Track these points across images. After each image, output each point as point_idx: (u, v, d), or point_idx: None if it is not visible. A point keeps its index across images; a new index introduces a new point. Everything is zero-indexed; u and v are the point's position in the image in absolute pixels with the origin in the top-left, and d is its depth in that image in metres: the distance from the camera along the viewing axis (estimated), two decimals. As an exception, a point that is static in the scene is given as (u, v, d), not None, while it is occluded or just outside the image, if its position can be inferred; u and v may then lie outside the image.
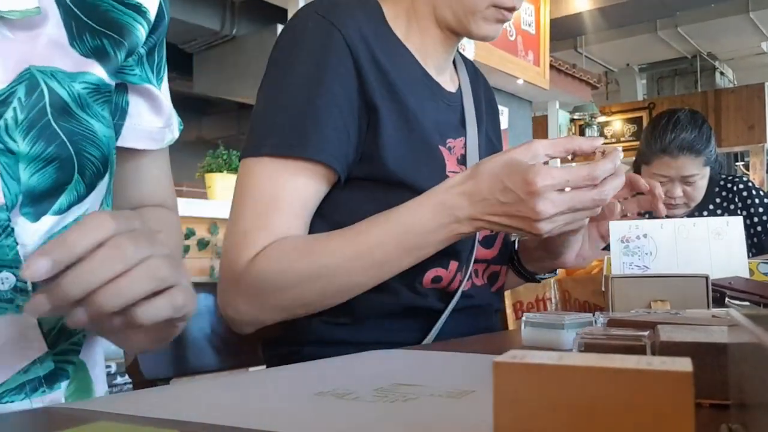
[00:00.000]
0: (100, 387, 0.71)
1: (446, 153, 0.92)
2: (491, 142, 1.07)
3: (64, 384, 0.64)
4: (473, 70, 1.11)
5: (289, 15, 3.97)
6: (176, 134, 0.80)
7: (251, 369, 0.95)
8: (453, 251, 0.86)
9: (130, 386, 0.98)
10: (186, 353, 0.98)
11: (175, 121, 0.79)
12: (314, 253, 0.80)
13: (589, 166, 0.73)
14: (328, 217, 0.87)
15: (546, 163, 0.77)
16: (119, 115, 0.72)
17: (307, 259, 0.80)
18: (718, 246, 0.99)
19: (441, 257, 0.84)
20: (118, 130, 0.72)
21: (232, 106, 5.38)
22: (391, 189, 0.86)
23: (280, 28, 4.33)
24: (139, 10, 0.68)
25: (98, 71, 0.64)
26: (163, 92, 0.76)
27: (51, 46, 0.60)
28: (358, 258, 0.79)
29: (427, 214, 0.78)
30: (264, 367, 0.96)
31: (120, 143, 0.72)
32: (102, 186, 0.67)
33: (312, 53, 0.86)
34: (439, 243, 0.80)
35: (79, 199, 0.64)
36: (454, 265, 0.89)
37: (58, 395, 0.63)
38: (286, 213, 0.83)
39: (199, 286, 1.04)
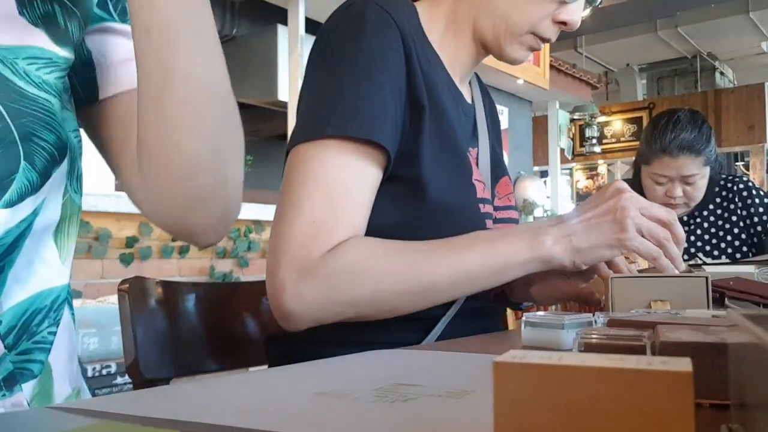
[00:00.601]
0: (61, 389, 0.66)
1: (472, 160, 0.94)
2: (495, 153, 1.08)
3: (28, 384, 0.60)
4: (481, 84, 1.13)
5: (290, 15, 3.97)
6: None
7: (251, 369, 0.95)
8: None
9: (130, 386, 0.98)
10: (186, 354, 0.98)
11: None
12: (404, 255, 0.80)
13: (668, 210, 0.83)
14: None
15: None
16: (83, 68, 0.66)
17: (398, 259, 0.80)
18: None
19: None
20: (90, 85, 0.67)
21: (232, 106, 5.38)
22: (420, 192, 0.86)
23: (280, 28, 4.33)
24: None
25: (47, 44, 0.59)
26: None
27: None
28: (448, 268, 0.80)
29: (516, 233, 0.83)
30: (264, 367, 0.96)
31: (103, 95, 0.67)
32: (60, 173, 0.62)
33: (372, 40, 0.85)
34: (524, 262, 0.81)
35: (33, 189, 0.58)
36: None
37: (20, 398, 0.60)
38: (356, 201, 0.82)
39: (199, 286, 1.04)
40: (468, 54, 0.99)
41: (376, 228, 0.84)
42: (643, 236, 0.80)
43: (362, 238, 0.81)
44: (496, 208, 1.02)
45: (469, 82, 1.08)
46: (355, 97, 0.82)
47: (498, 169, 1.06)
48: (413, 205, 0.84)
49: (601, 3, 0.99)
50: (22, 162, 0.56)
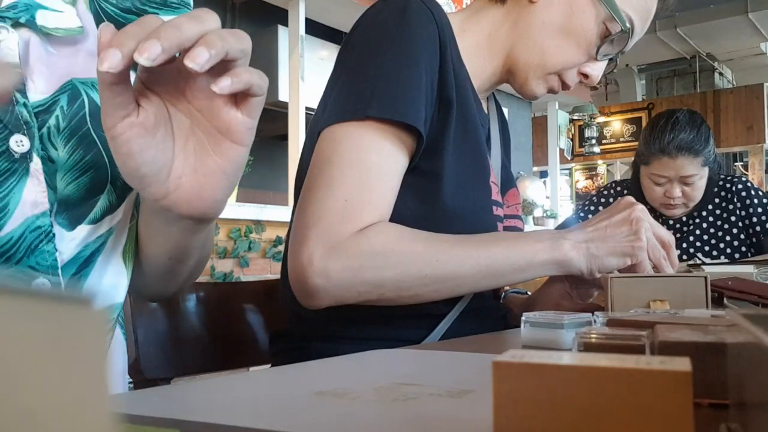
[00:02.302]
0: None
1: (490, 163, 0.96)
2: (505, 166, 1.12)
3: None
4: (496, 101, 1.16)
5: (290, 16, 3.97)
6: None
7: (252, 369, 0.95)
8: None
9: (131, 386, 0.98)
10: (187, 354, 0.98)
11: None
12: (433, 244, 0.82)
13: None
14: None
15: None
16: None
17: (426, 247, 0.81)
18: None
19: None
20: None
21: (232, 106, 5.37)
22: (438, 186, 0.87)
23: (280, 28, 4.33)
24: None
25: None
26: None
27: (91, 58, 0.61)
28: (473, 261, 0.82)
29: (537, 235, 0.87)
30: (265, 366, 0.96)
31: None
32: (131, 197, 0.68)
33: (414, 31, 0.87)
34: (544, 264, 0.85)
35: (111, 209, 0.65)
36: None
37: None
38: (387, 185, 0.83)
39: (200, 286, 1.04)
40: (493, 72, 1.02)
41: (396, 219, 0.85)
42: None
43: (390, 224, 0.82)
44: (504, 216, 1.03)
45: (486, 98, 1.11)
46: (397, 81, 0.83)
47: (507, 183, 1.08)
48: (432, 199, 0.85)
49: (617, 65, 1.04)
50: (108, 184, 0.63)
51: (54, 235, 0.60)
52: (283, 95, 4.29)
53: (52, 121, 0.58)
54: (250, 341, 1.07)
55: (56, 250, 0.60)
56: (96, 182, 0.62)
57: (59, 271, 0.60)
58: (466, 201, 0.89)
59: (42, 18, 0.58)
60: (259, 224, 3.32)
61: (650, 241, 0.86)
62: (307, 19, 3.97)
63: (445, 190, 0.87)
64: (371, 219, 0.81)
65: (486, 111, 1.07)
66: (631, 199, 0.89)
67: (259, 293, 1.10)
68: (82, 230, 0.63)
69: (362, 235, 0.79)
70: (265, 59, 4.50)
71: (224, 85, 0.46)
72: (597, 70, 0.99)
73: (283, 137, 4.16)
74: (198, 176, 0.54)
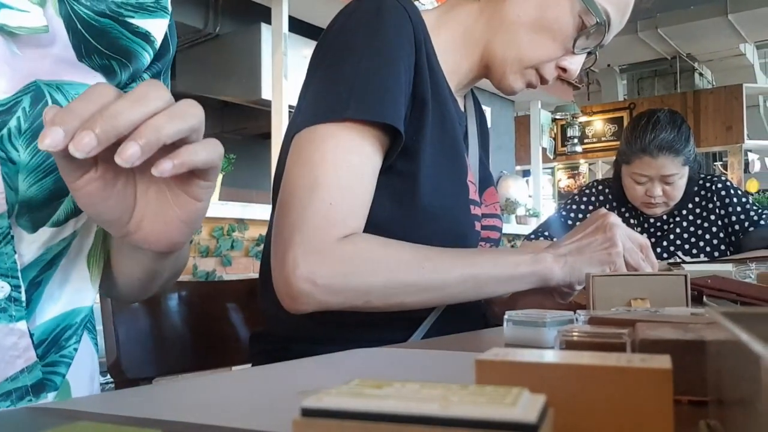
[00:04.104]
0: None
1: (468, 162, 0.97)
2: (483, 164, 1.11)
3: (51, 395, 0.64)
4: (475, 98, 1.16)
5: (273, 14, 3.95)
6: None
7: (235, 368, 0.95)
8: None
9: (112, 386, 0.97)
10: (169, 353, 0.97)
11: None
12: (419, 252, 0.82)
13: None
14: None
15: None
16: None
17: (413, 255, 0.81)
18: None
19: None
20: None
21: (215, 104, 5.34)
22: (415, 186, 0.87)
23: (263, 26, 4.31)
24: (148, 39, 0.68)
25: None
26: None
27: (58, 62, 0.61)
28: (459, 269, 0.83)
29: (518, 251, 0.90)
30: (247, 366, 0.96)
31: None
32: None
33: (389, 30, 0.86)
34: (525, 276, 0.88)
35: (75, 212, 0.64)
36: None
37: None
38: (367, 188, 0.83)
39: (182, 285, 1.03)
40: (470, 68, 1.01)
41: (371, 220, 0.84)
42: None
43: (372, 235, 0.83)
44: (482, 215, 1.03)
45: (464, 96, 1.10)
46: (375, 80, 0.82)
47: (485, 181, 1.08)
48: (409, 199, 0.85)
49: (596, 60, 1.05)
50: None
51: (12, 237, 0.59)
52: (266, 93, 4.27)
53: (13, 122, 0.57)
54: (232, 340, 1.07)
55: (15, 252, 0.59)
56: (60, 184, 0.60)
57: (19, 274, 0.59)
58: (443, 200, 0.89)
59: (5, 17, 0.57)
60: (242, 223, 3.31)
61: (626, 245, 0.89)
62: (290, 17, 3.96)
63: (421, 190, 0.86)
64: (355, 223, 0.81)
65: (463, 109, 1.07)
66: (603, 210, 0.92)
67: (241, 292, 1.10)
68: (45, 233, 0.62)
69: (348, 242, 0.79)
70: (248, 57, 4.48)
71: (164, 168, 0.46)
72: (575, 64, 0.99)
73: (266, 135, 4.14)
74: (158, 221, 0.54)
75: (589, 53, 1.00)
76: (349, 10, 0.90)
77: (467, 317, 0.98)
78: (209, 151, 0.48)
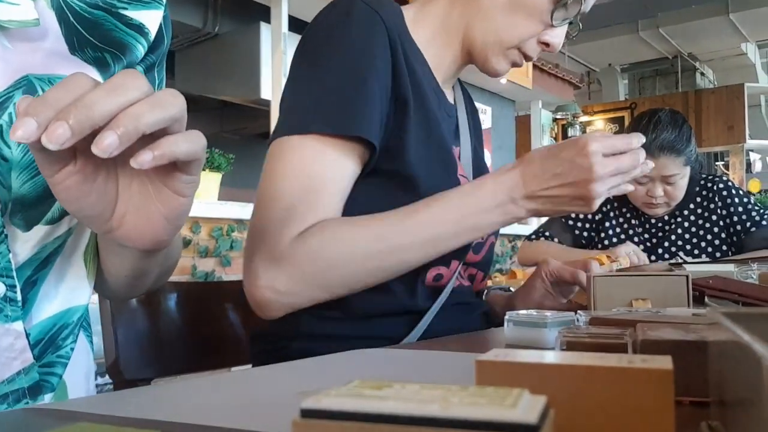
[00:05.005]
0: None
1: (456, 156, 0.96)
2: (477, 155, 1.10)
3: (48, 396, 0.63)
4: (462, 88, 1.15)
5: (273, 13, 3.95)
6: None
7: (234, 369, 0.95)
8: (456, 251, 0.87)
9: (111, 387, 0.97)
10: (167, 354, 0.97)
11: None
12: (371, 231, 0.81)
13: (625, 135, 0.85)
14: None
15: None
16: None
17: (364, 238, 0.80)
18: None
19: (446, 256, 0.86)
20: None
21: (215, 104, 5.34)
22: (407, 186, 0.87)
23: (263, 26, 4.31)
24: (141, 31, 0.67)
25: (99, 78, 0.63)
26: None
27: (50, 56, 0.59)
28: (416, 235, 0.81)
29: (485, 194, 0.83)
30: (247, 366, 0.96)
31: None
32: None
33: (358, 37, 0.86)
34: (493, 224, 0.84)
35: None
36: (455, 264, 0.91)
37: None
38: (331, 192, 0.83)
39: (181, 286, 1.03)
40: (454, 58, 1.01)
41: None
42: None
43: (333, 219, 0.82)
44: None
45: (452, 86, 1.10)
46: (339, 93, 0.83)
47: (479, 170, 1.08)
48: (402, 199, 0.85)
49: (580, 30, 1.02)
50: None
51: (6, 236, 0.58)
52: (265, 93, 4.27)
53: (4, 118, 0.56)
54: (231, 341, 1.06)
55: (9, 251, 0.58)
56: None
57: (14, 273, 0.59)
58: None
59: None
60: (242, 223, 3.30)
61: (610, 181, 0.82)
62: (290, 17, 3.96)
63: (414, 188, 0.86)
64: (314, 218, 0.81)
65: (453, 101, 1.07)
66: (582, 141, 0.82)
67: (240, 293, 1.09)
68: (39, 231, 0.61)
69: (300, 239, 0.79)
70: (247, 56, 4.49)
71: (143, 160, 0.44)
72: (557, 37, 0.97)
73: (266, 135, 4.15)
74: (141, 217, 0.52)
75: (571, 23, 0.99)
76: (322, 16, 0.90)
77: (468, 313, 0.98)
78: (191, 143, 0.47)
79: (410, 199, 0.84)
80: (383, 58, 0.86)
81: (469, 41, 0.98)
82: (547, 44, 0.97)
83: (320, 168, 0.82)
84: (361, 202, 0.86)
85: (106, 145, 0.42)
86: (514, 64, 1.00)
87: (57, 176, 0.47)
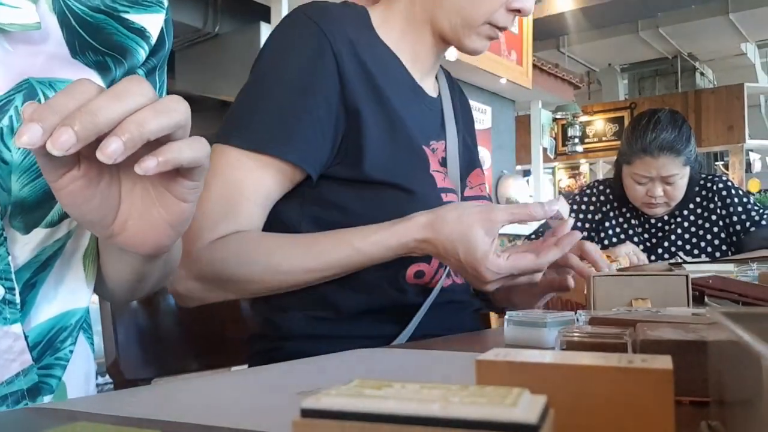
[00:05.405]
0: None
1: (429, 153, 0.95)
2: (467, 146, 1.10)
3: (47, 398, 0.63)
4: (449, 79, 1.15)
5: (273, 13, 3.95)
6: None
7: (233, 368, 0.95)
8: None
9: (111, 387, 0.97)
10: (167, 353, 0.97)
11: None
12: (274, 255, 0.83)
13: (534, 256, 0.81)
14: (316, 213, 0.89)
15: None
16: None
17: (265, 260, 0.83)
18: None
19: None
20: None
21: (214, 104, 5.33)
22: (378, 188, 0.88)
23: (263, 26, 4.31)
24: (143, 35, 0.67)
25: (100, 82, 0.64)
26: None
27: (52, 59, 0.59)
28: (312, 271, 0.83)
29: (388, 248, 0.82)
30: (246, 366, 0.96)
31: None
32: None
33: (299, 57, 0.88)
34: (386, 254, 0.84)
35: None
36: (436, 261, 0.90)
37: None
38: (249, 200, 0.86)
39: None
40: (428, 49, 1.01)
41: (347, 226, 0.85)
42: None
43: (244, 234, 0.85)
44: (466, 198, 1.02)
45: (437, 77, 1.09)
46: (269, 113, 0.87)
47: (470, 161, 1.07)
48: (375, 201, 0.85)
49: None
50: None
51: (6, 238, 0.58)
52: (266, 93, 4.26)
53: (5, 122, 0.56)
54: (230, 341, 1.06)
55: (8, 254, 0.58)
56: None
57: (13, 276, 0.59)
58: (409, 195, 0.89)
59: None
60: (243, 223, 3.30)
61: (508, 269, 0.80)
62: (290, 17, 3.95)
63: (384, 191, 0.87)
64: (227, 229, 0.84)
65: (437, 93, 1.06)
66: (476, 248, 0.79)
67: (241, 292, 1.10)
68: (39, 233, 0.61)
69: (212, 249, 0.83)
70: (247, 56, 4.48)
71: (148, 166, 0.44)
72: (525, 1, 0.96)
73: (267, 135, 4.15)
74: (143, 222, 0.52)
75: None
76: (274, 31, 0.93)
77: (460, 311, 0.99)
78: (195, 150, 0.47)
79: (383, 200, 0.86)
80: (326, 73, 0.88)
81: (438, 29, 0.98)
82: (518, 10, 0.96)
83: (240, 174, 0.86)
84: (338, 205, 0.89)
85: (111, 151, 0.42)
86: (490, 38, 0.99)
87: (60, 181, 0.47)
